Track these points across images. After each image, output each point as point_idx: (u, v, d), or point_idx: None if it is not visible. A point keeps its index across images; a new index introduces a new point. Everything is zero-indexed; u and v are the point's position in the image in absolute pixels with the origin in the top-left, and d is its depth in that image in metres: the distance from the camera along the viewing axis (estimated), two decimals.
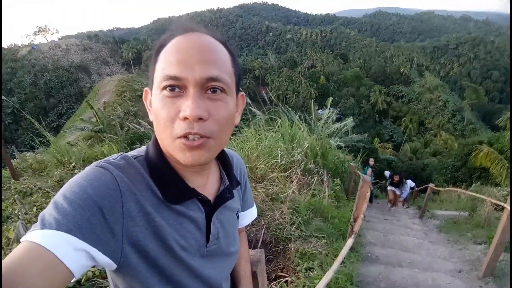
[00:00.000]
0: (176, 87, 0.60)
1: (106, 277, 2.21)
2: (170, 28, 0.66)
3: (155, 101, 0.62)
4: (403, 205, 9.44)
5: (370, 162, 9.53)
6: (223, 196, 0.79)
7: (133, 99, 35.49)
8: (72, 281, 0.54)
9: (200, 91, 0.61)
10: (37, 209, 3.56)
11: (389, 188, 9.13)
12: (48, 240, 0.51)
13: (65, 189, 0.57)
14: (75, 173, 4.89)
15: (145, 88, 0.71)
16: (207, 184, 0.77)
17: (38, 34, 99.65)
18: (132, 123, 14.55)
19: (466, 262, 4.17)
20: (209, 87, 0.61)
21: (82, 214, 0.54)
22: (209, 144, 0.62)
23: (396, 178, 8.80)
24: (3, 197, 4.00)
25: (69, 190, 0.57)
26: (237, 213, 0.89)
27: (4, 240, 2.70)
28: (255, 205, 1.05)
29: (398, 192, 8.86)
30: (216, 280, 0.78)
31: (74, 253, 0.52)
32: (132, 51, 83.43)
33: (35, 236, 0.51)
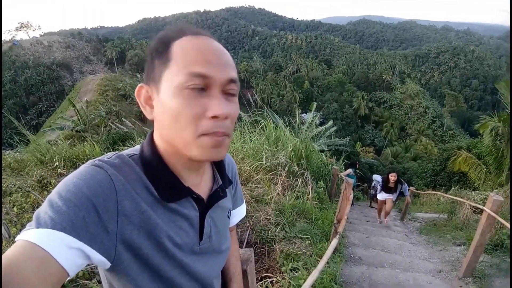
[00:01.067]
0: (201, 85, 0.60)
1: (90, 279, 2.17)
2: (179, 25, 0.66)
3: (173, 98, 0.60)
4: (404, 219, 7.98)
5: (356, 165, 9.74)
6: (217, 195, 0.79)
7: (115, 99, 34.98)
8: (67, 280, 0.54)
9: (222, 92, 0.63)
10: (17, 209, 3.46)
11: (380, 196, 7.07)
12: (43, 239, 0.51)
13: (60, 188, 0.57)
14: (57, 172, 4.78)
15: (140, 84, 0.68)
16: (201, 183, 0.77)
17: (20, 30, 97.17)
18: (114, 123, 14.31)
19: (446, 263, 4.26)
20: (228, 88, 0.64)
21: (77, 213, 0.54)
22: (227, 141, 0.65)
23: (392, 177, 6.71)
24: None
25: (64, 189, 0.56)
26: (228, 212, 0.89)
27: None
28: (244, 203, 1.05)
29: (392, 198, 6.82)
30: (207, 276, 0.78)
31: (69, 252, 0.52)
32: (116, 50, 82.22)
33: (30, 235, 0.51)
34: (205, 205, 0.76)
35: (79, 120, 14.19)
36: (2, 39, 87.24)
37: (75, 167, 5.36)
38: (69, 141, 7.72)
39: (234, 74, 0.64)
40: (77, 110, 14.46)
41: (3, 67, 69.18)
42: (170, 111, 0.61)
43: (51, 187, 4.19)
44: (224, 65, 0.62)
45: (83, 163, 0.65)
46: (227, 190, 0.85)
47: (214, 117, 0.60)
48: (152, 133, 0.71)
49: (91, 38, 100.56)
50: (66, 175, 0.61)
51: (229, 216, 0.90)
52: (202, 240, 0.75)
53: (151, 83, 0.65)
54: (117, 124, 13.60)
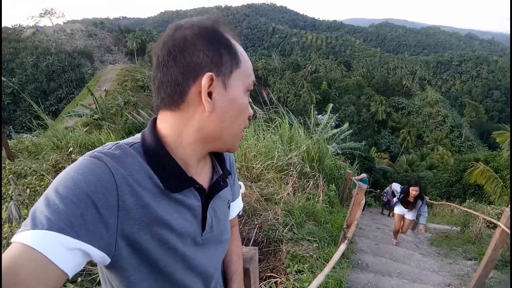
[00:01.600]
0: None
1: (94, 265, 2.19)
2: (223, 20, 0.71)
3: (243, 97, 0.71)
4: (416, 229, 7.05)
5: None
6: (218, 185, 0.79)
7: (134, 89, 35.43)
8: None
9: None
10: (30, 191, 3.53)
11: (398, 209, 5.69)
12: (39, 242, 0.50)
13: (58, 183, 0.56)
14: (72, 158, 4.86)
15: (211, 74, 0.63)
16: (202, 173, 0.77)
17: (43, 16, 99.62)
18: (131, 113, 14.50)
19: (455, 276, 4.18)
20: None
21: (75, 211, 0.53)
22: None
23: (414, 191, 5.25)
24: None
25: (61, 185, 0.55)
26: (228, 203, 0.89)
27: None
28: (240, 196, 1.04)
29: (409, 217, 5.55)
30: (208, 268, 0.77)
31: (67, 253, 0.52)
32: (137, 41, 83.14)
33: (26, 237, 0.50)
34: (206, 195, 0.76)
35: (97, 108, 14.42)
36: (25, 24, 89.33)
37: None
38: (86, 128, 7.88)
39: None
40: (95, 98, 14.70)
41: (26, 52, 70.89)
42: (239, 107, 0.69)
43: None
44: None
45: None
46: (227, 180, 0.85)
47: (249, 117, 0.74)
48: (154, 120, 0.71)
49: (113, 28, 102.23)
50: None
51: (229, 207, 0.90)
52: (204, 231, 0.75)
53: (219, 74, 0.65)
54: (134, 115, 13.81)
